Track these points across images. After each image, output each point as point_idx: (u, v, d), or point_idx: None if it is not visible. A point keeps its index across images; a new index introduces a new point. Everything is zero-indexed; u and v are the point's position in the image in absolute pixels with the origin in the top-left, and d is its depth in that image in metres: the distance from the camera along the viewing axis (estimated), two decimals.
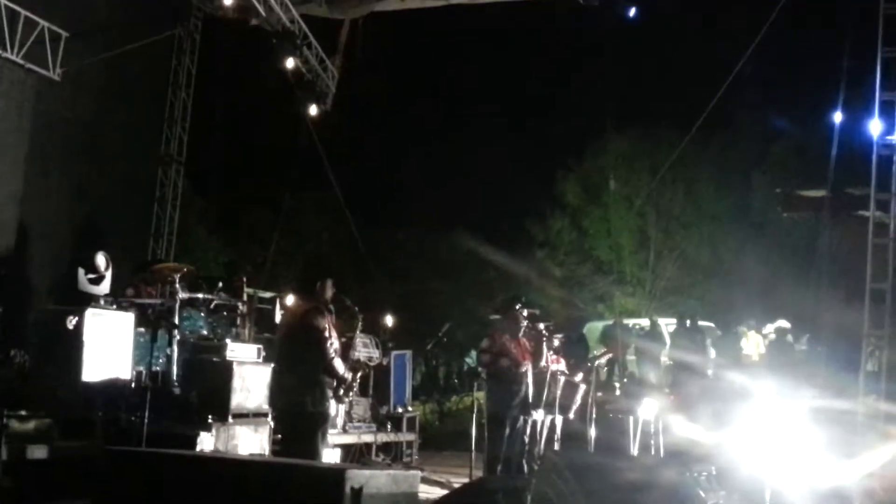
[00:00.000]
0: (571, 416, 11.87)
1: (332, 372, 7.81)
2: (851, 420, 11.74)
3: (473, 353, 22.55)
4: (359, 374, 8.70)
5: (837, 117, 14.43)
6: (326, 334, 7.79)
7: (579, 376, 12.38)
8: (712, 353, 16.38)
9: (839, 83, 14.17)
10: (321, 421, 7.83)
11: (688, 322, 16.84)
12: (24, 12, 12.78)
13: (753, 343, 17.04)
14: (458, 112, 30.73)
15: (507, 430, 10.24)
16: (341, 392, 8.03)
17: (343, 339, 8.28)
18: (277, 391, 8.03)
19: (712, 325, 18.30)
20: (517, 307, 10.65)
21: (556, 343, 11.95)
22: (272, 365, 9.03)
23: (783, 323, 16.89)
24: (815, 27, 20.93)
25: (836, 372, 13.24)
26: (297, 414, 7.87)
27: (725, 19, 24.48)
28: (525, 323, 10.63)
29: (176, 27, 16.58)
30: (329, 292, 8.12)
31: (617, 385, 14.62)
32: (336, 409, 10.42)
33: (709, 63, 20.86)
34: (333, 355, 7.81)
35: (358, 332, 8.48)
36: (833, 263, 15.85)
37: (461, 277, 28.22)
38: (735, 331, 17.44)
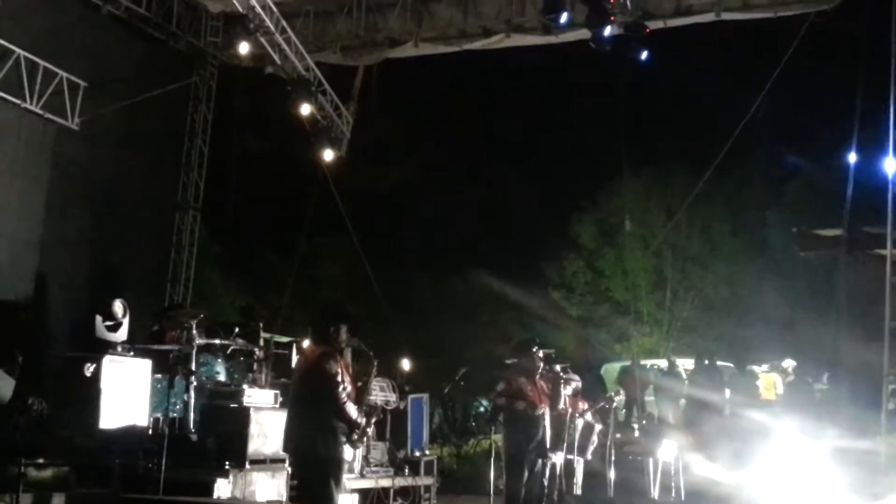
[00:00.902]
0: (589, 456, 11.81)
1: (344, 417, 7.74)
2: (874, 460, 11.61)
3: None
4: (373, 420, 8.60)
5: (852, 157, 14.41)
6: (339, 379, 7.72)
7: (588, 416, 12.30)
8: (726, 392, 16.25)
9: (853, 121, 14.18)
10: (334, 466, 7.77)
11: (706, 361, 16.73)
12: (43, 63, 13.02)
13: (768, 383, 16.90)
14: (473, 155, 30.85)
15: (526, 474, 10.16)
16: (355, 437, 7.95)
17: (358, 384, 8.22)
18: (290, 436, 7.98)
19: (731, 364, 18.18)
20: (533, 349, 10.61)
21: (576, 385, 11.90)
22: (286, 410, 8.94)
23: (790, 362, 16.77)
24: (829, 66, 20.98)
25: (857, 411, 13.11)
26: (308, 459, 7.82)
27: (738, 59, 24.61)
28: (542, 365, 10.58)
29: (192, 76, 16.80)
30: (344, 337, 8.08)
31: (635, 426, 14.51)
32: (352, 454, 10.34)
33: (722, 103, 20.95)
34: (345, 400, 7.73)
35: (373, 376, 8.40)
36: (851, 302, 15.76)
37: (477, 320, 28.15)
38: (749, 369, 17.32)
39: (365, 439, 8.44)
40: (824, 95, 22.74)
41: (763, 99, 15.18)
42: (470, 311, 28.33)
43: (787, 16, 14.67)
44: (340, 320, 8.11)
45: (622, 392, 14.15)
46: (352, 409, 7.75)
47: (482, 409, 21.44)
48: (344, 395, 7.70)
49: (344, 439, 7.77)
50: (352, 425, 7.79)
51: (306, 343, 10.36)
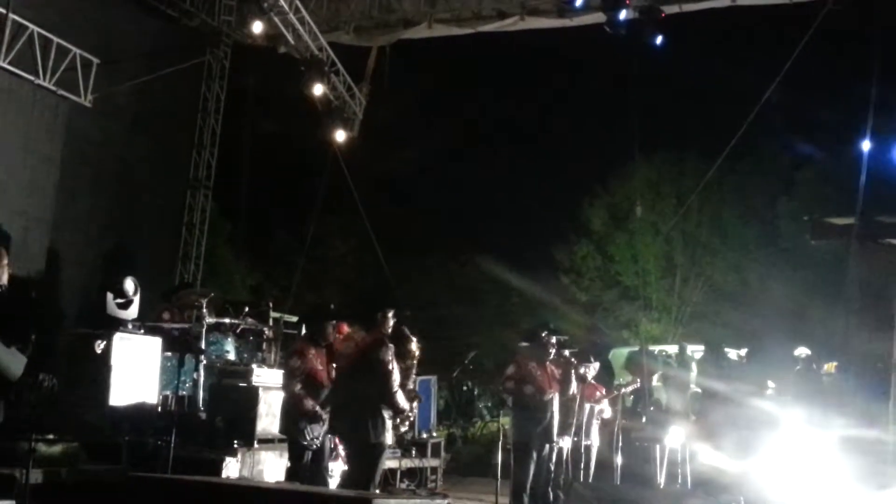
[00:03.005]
0: (594, 440, 11.87)
1: (394, 405, 7.82)
2: (882, 450, 11.59)
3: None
4: (415, 404, 8.65)
5: (866, 144, 14.32)
6: (391, 367, 7.79)
7: (605, 403, 12.32)
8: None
9: (867, 109, 14.09)
10: (379, 451, 7.89)
11: (715, 349, 16.69)
12: (56, 40, 13.01)
13: None
14: (485, 138, 30.80)
15: (533, 458, 10.18)
16: (398, 421, 8.03)
17: (402, 367, 8.25)
18: (337, 420, 8.05)
19: (740, 351, 18.15)
20: (544, 334, 10.61)
21: (594, 371, 11.92)
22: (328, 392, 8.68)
23: (804, 350, 16.73)
24: (843, 52, 20.85)
25: (865, 401, 13.08)
26: (359, 445, 7.92)
27: (752, 45, 24.46)
28: (553, 350, 10.58)
29: (205, 54, 16.78)
30: (390, 323, 8.11)
31: (642, 412, 14.51)
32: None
33: (735, 89, 20.83)
34: (397, 389, 7.80)
35: (415, 360, 8.41)
36: (862, 291, 15.69)
37: (485, 303, 28.15)
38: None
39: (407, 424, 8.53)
40: (838, 82, 22.62)
41: (776, 86, 15.09)
42: (478, 293, 28.34)
43: (802, 2, 14.58)
44: (387, 306, 8.15)
45: (638, 380, 14.13)
46: (401, 399, 7.82)
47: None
48: (396, 384, 7.76)
49: (390, 424, 7.85)
50: (399, 413, 7.86)
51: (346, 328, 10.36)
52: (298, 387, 8.10)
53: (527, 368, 10.34)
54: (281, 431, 8.66)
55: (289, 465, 8.49)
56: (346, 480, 8.27)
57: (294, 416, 8.16)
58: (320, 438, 8.16)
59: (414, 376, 8.60)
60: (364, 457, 7.85)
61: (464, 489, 13.68)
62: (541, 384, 10.27)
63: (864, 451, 11.18)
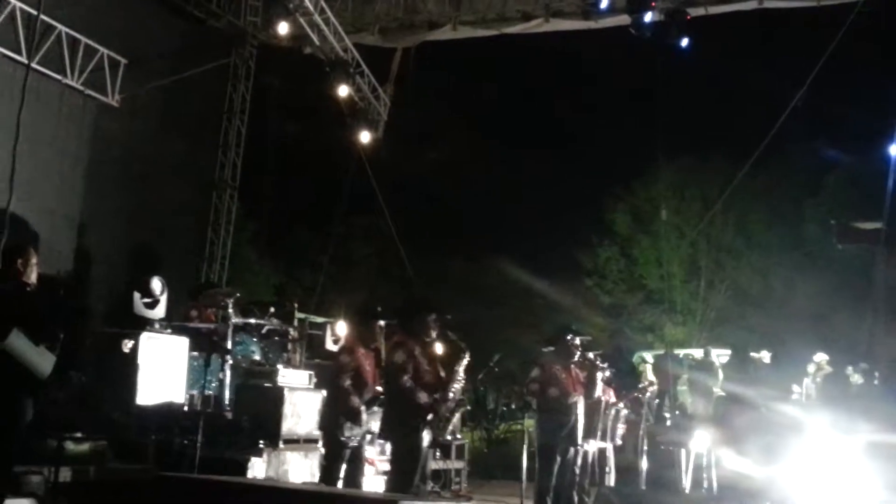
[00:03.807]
0: (619, 441, 11.81)
1: (413, 402, 7.77)
2: None
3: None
4: (459, 410, 8.53)
5: (893, 149, 14.23)
6: (404, 368, 7.76)
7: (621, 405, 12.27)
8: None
9: (895, 112, 14.01)
10: (415, 451, 7.84)
11: (741, 354, 16.61)
12: (84, 40, 13.11)
13: None
14: (508, 140, 30.74)
15: (557, 461, 10.14)
16: (430, 419, 7.95)
17: (443, 374, 8.16)
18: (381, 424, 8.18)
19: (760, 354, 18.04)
20: (568, 337, 10.57)
21: (607, 373, 11.84)
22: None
23: (822, 356, 16.61)
24: (871, 57, 20.71)
25: (892, 405, 12.98)
26: (395, 445, 8.03)
27: (779, 47, 24.32)
28: (578, 352, 10.53)
29: (231, 55, 16.84)
30: (430, 328, 8.05)
31: (667, 415, 14.45)
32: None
33: (761, 92, 20.73)
34: (409, 386, 7.74)
35: (461, 367, 8.28)
36: (888, 296, 15.61)
37: (508, 306, 28.08)
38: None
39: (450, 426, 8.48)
40: (866, 85, 22.46)
41: (804, 90, 15.01)
42: (502, 296, 28.26)
43: (831, 4, 14.47)
44: (426, 310, 8.11)
45: (655, 382, 14.08)
46: (420, 395, 7.76)
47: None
48: (409, 382, 7.73)
49: (420, 424, 7.81)
50: (423, 410, 7.80)
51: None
52: (348, 382, 8.02)
53: (551, 371, 10.29)
54: (319, 427, 8.66)
55: (324, 463, 8.43)
56: (388, 481, 8.32)
57: (336, 412, 8.11)
58: (358, 439, 8.12)
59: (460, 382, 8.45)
60: (399, 457, 7.87)
61: (488, 492, 13.66)
62: (565, 387, 10.21)
63: (891, 457, 11.08)
